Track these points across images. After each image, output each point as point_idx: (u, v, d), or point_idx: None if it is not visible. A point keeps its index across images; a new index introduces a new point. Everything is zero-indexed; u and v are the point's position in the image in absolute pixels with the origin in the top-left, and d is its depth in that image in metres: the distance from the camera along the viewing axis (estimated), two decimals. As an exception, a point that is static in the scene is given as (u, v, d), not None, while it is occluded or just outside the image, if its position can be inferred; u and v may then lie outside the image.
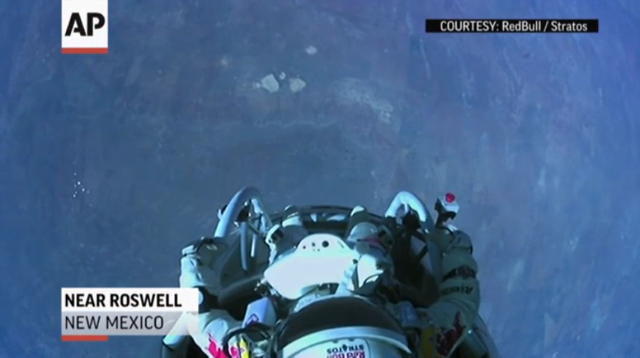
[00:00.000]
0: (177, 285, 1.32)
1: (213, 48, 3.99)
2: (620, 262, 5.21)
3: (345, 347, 0.86)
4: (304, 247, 1.26)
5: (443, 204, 1.72)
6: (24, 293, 3.59)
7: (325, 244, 1.25)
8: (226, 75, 3.96)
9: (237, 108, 3.92)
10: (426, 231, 1.63)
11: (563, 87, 5.05)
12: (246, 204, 1.71)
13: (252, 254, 1.83)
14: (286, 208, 2.17)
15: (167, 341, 1.35)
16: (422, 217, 1.66)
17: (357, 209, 2.24)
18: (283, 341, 0.91)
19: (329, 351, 0.85)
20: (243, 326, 1.09)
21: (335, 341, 0.86)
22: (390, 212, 2.08)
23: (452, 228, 1.54)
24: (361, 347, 0.86)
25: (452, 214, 1.73)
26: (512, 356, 4.42)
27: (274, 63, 4.04)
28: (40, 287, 3.58)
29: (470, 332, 1.45)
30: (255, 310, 1.13)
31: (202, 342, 1.18)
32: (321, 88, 4.08)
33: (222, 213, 1.57)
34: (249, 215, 1.83)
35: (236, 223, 1.64)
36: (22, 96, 3.82)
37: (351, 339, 0.87)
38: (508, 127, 4.67)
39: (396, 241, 1.75)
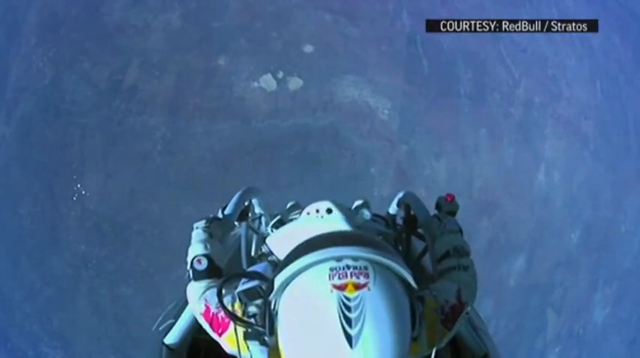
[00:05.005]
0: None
1: (210, 48, 3.99)
2: (622, 255, 5.21)
3: (348, 266, 0.77)
4: (308, 213, 1.27)
5: (443, 204, 1.73)
6: (26, 297, 3.59)
7: (329, 211, 1.27)
8: (224, 75, 3.96)
9: (235, 108, 3.92)
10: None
11: (561, 81, 5.04)
12: (246, 203, 1.72)
13: (252, 254, 1.83)
14: (288, 205, 2.17)
15: (167, 341, 1.36)
16: (422, 217, 1.66)
17: (358, 203, 2.19)
18: (279, 270, 0.83)
19: (331, 270, 0.77)
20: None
21: (338, 259, 0.78)
22: (391, 211, 2.08)
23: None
24: (365, 268, 0.77)
25: (452, 213, 1.73)
26: (516, 350, 4.42)
27: (271, 62, 4.03)
28: (41, 291, 3.59)
29: (469, 331, 1.45)
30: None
31: (198, 309, 1.15)
32: (318, 86, 4.07)
33: (222, 213, 1.57)
34: (249, 215, 1.84)
35: (236, 223, 1.65)
36: (20, 100, 3.82)
37: (355, 259, 0.78)
38: (507, 122, 4.67)
39: (396, 241, 1.76)
